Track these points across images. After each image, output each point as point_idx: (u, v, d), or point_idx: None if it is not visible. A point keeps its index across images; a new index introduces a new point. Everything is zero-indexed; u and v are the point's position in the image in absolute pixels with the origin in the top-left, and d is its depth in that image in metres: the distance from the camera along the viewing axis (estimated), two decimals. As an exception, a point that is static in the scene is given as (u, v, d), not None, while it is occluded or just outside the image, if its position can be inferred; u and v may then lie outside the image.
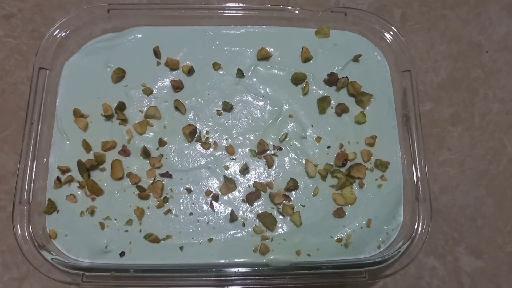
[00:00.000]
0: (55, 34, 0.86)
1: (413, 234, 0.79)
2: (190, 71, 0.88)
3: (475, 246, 0.91)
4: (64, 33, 0.87)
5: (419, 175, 0.81)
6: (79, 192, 0.82)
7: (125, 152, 0.84)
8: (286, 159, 0.85)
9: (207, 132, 0.86)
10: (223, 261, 0.79)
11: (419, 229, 0.79)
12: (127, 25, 0.91)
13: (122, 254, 0.79)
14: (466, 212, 0.92)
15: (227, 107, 0.87)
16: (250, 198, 0.82)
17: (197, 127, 0.86)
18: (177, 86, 0.87)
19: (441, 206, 0.92)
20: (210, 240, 0.80)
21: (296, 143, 0.86)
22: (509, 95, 0.99)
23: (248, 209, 0.82)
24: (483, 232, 0.92)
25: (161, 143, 0.85)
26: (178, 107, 0.86)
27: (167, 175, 0.83)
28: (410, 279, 0.89)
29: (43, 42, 0.86)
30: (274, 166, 0.85)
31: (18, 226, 0.77)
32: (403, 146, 0.86)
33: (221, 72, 0.89)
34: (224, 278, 0.76)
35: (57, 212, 0.81)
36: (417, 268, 0.89)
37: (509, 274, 0.90)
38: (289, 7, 0.90)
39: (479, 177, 0.94)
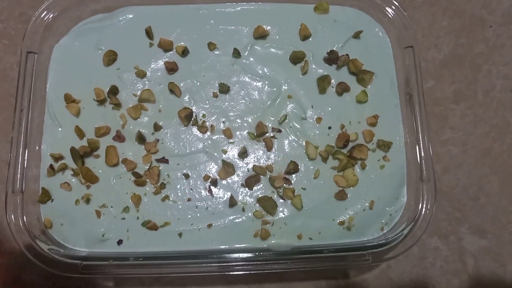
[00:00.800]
0: (42, 16, 0.84)
1: (417, 215, 0.78)
2: (184, 52, 0.86)
3: (478, 226, 0.90)
4: (52, 15, 0.84)
5: (422, 154, 0.80)
6: (73, 180, 0.81)
7: (119, 137, 0.83)
8: (286, 141, 0.83)
9: (204, 115, 0.84)
10: (223, 247, 0.79)
11: (423, 210, 0.78)
12: (117, 5, 0.88)
13: (119, 242, 0.78)
14: (469, 192, 0.91)
15: (224, 89, 0.85)
16: (250, 182, 0.81)
17: (193, 110, 0.84)
18: (171, 68, 0.85)
19: (444, 186, 0.91)
20: (210, 226, 0.79)
21: (296, 125, 0.84)
22: (514, 71, 0.97)
23: (248, 194, 0.81)
24: (487, 211, 0.91)
25: (157, 127, 0.83)
26: (173, 89, 0.84)
27: (164, 160, 0.82)
28: (414, 260, 0.88)
29: (30, 25, 0.83)
30: (274, 149, 0.83)
31: (12, 216, 0.76)
32: (406, 125, 0.84)
33: (216, 52, 0.87)
34: (224, 264, 0.76)
35: (52, 201, 0.80)
36: (420, 249, 0.88)
37: (514, 253, 0.89)
38: (286, -18, 0.87)
39: (482, 156, 0.93)
